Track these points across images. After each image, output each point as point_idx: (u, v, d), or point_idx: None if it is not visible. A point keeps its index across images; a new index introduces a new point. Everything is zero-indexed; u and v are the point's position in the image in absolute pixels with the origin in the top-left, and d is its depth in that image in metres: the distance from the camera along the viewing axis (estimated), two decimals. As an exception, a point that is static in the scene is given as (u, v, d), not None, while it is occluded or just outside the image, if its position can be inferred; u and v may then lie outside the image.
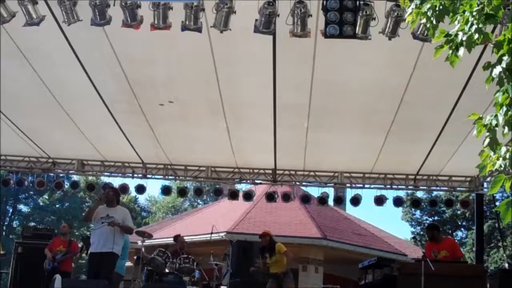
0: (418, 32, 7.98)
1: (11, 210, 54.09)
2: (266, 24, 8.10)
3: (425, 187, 15.45)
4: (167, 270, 13.81)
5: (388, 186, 15.23)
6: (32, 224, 42.24)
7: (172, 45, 9.76)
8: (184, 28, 8.25)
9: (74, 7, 8.07)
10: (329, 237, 22.68)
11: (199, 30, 8.31)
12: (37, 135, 14.38)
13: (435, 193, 17.40)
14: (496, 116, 4.24)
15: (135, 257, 15.52)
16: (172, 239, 15.46)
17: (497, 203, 18.86)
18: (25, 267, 14.44)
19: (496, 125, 4.21)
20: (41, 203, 51.62)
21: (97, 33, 9.19)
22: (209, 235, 16.45)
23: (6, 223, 53.44)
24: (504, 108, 4.16)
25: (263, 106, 11.83)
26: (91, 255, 11.36)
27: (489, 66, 4.38)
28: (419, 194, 16.63)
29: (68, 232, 14.51)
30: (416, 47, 8.94)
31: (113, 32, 9.13)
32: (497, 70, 4.28)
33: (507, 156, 4.18)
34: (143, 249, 14.60)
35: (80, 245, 14.05)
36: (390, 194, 15.34)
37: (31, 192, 52.23)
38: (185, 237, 15.61)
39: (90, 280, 12.55)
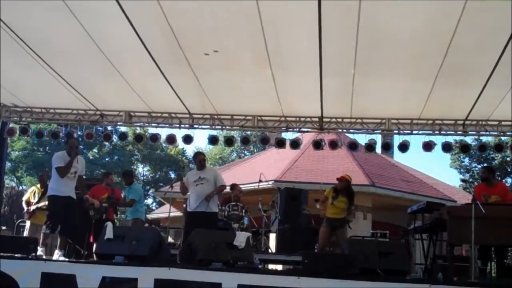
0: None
1: (62, 165, 54.97)
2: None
3: (474, 132, 15.23)
4: (216, 218, 14.02)
5: (437, 132, 15.04)
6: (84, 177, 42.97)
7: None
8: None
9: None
10: (377, 184, 22.68)
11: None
12: (84, 88, 14.50)
13: (484, 139, 17.16)
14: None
15: (184, 206, 15.80)
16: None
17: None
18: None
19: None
20: (90, 157, 52.54)
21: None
22: (257, 184, 16.53)
23: (57, 176, 54.34)
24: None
25: (309, 55, 11.70)
26: (190, 214, 12.79)
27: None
28: (468, 140, 16.38)
29: (113, 183, 14.82)
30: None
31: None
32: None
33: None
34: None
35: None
36: (439, 140, 15.17)
37: (81, 147, 53.07)
38: (232, 186, 15.78)
39: (140, 227, 13.04)
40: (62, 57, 12.58)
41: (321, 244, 12.64)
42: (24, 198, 14.95)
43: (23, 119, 16.27)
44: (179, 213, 22.23)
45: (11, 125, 16.65)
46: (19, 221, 14.76)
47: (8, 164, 47.53)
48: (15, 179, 51.47)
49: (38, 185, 15.16)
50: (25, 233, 14.47)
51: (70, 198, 11.54)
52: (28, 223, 14.66)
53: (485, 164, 38.54)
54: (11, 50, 11.95)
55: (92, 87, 14.50)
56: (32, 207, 14.50)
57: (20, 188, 46.63)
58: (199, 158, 13.19)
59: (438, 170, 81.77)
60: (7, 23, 10.99)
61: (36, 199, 14.63)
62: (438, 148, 15.10)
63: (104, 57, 12.22)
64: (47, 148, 53.57)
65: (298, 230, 14.54)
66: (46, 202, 14.32)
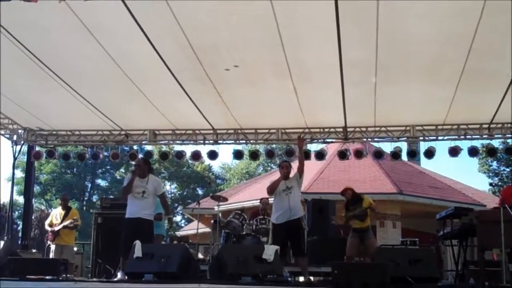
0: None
1: (90, 185, 55.54)
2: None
3: (500, 135, 15.10)
4: (244, 232, 13.98)
5: (462, 137, 14.94)
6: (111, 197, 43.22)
7: (233, 10, 9.75)
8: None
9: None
10: (404, 191, 22.54)
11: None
12: (108, 108, 14.65)
13: (511, 141, 16.96)
14: None
15: (212, 221, 15.79)
16: (247, 202, 15.59)
17: None
18: (105, 236, 14.79)
19: None
20: (118, 177, 52.81)
21: (159, 3, 9.30)
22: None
23: (86, 198, 54.91)
24: None
25: (329, 65, 11.69)
26: (277, 226, 11.88)
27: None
28: (495, 143, 16.20)
29: None
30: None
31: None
32: None
33: None
34: (219, 213, 14.81)
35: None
36: (465, 145, 15.09)
37: (108, 167, 53.59)
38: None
39: (169, 244, 12.95)
40: (84, 79, 12.72)
41: (348, 254, 12.54)
42: (47, 222, 14.92)
43: (49, 142, 16.43)
44: (207, 229, 22.22)
45: (37, 148, 16.83)
46: (48, 244, 14.78)
47: (37, 188, 47.96)
48: (44, 202, 51.83)
49: (60, 208, 15.13)
50: (51, 255, 14.42)
51: (140, 219, 11.00)
52: (53, 246, 14.61)
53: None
54: (34, 74, 12.12)
55: (116, 108, 14.63)
56: (57, 228, 14.47)
57: (50, 211, 47.00)
58: (282, 165, 12.17)
59: (466, 175, 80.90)
60: (28, 47, 11.14)
61: (59, 220, 14.59)
62: (464, 153, 15.02)
63: (126, 76, 12.32)
64: (75, 169, 54.00)
65: (327, 241, 14.47)
66: (72, 220, 14.42)
